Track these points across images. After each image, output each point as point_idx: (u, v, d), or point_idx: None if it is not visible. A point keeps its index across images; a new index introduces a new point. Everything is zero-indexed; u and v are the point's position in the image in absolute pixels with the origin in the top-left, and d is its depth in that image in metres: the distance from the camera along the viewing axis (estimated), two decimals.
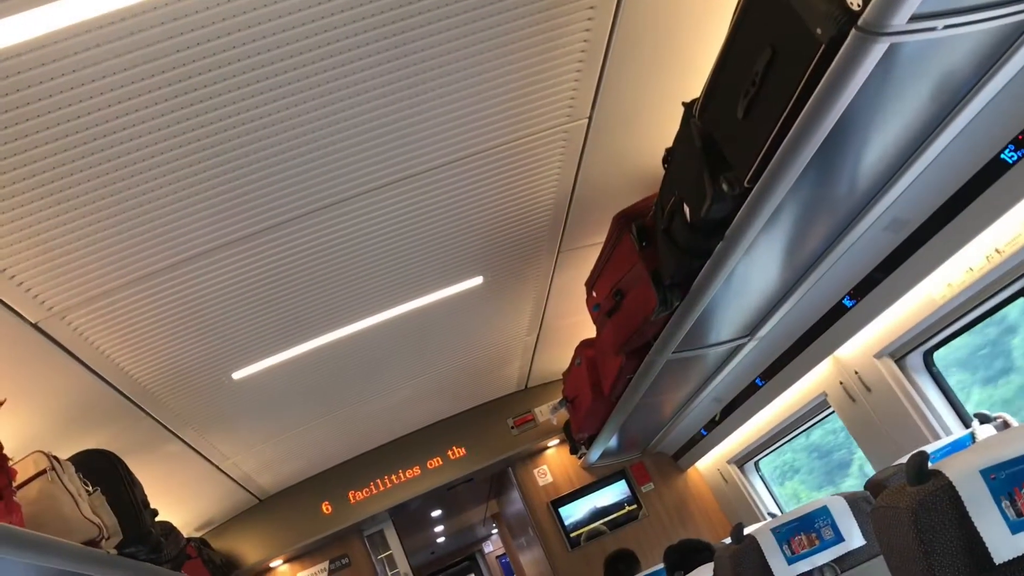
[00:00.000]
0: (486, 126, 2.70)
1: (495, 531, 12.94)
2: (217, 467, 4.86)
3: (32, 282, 2.44)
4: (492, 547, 14.68)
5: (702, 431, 5.30)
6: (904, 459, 2.12)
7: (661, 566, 3.74)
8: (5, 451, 2.32)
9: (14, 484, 2.26)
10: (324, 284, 3.38)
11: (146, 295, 2.80)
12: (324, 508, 6.08)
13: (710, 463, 5.75)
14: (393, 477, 6.15)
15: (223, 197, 2.53)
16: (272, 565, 6.17)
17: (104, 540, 2.91)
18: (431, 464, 6.21)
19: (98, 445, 3.38)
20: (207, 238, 2.69)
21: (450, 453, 6.24)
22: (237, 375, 3.82)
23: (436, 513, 10.03)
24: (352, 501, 6.09)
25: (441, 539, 12.72)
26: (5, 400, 2.17)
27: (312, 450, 5.52)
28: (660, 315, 3.14)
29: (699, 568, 2.54)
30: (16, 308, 2.51)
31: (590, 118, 2.82)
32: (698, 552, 3.32)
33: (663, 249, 2.89)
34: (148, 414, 3.69)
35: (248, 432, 4.64)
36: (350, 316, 3.77)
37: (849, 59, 1.67)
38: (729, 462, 5.43)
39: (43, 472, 2.72)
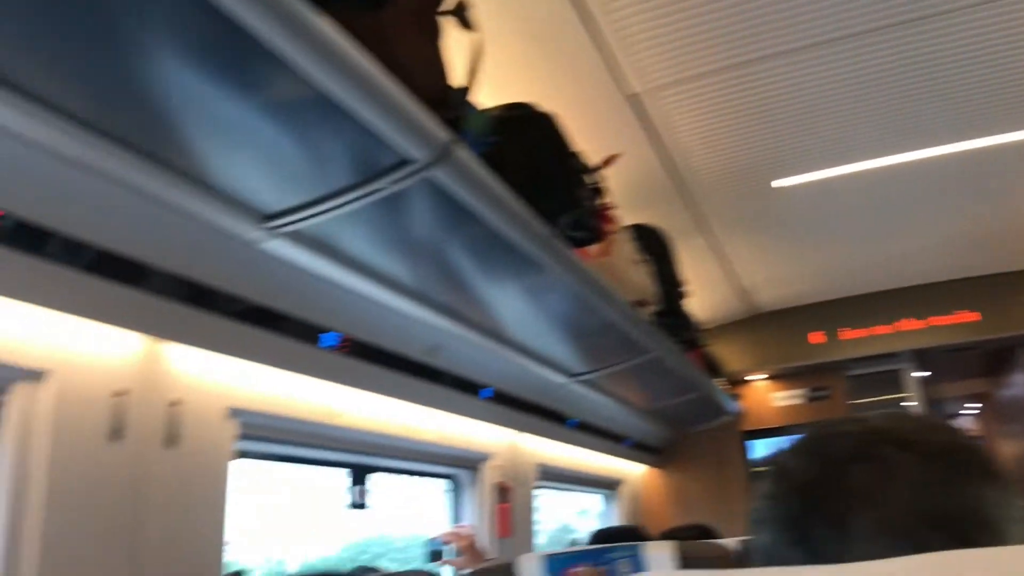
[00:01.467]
0: None
1: (965, 410, 11.97)
2: (727, 272, 5.04)
3: (645, 53, 2.61)
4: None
5: None
6: None
7: None
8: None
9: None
10: (894, 102, 3.17)
11: (730, 84, 2.87)
12: (813, 338, 6.05)
13: None
14: (890, 326, 5.88)
15: None
16: (750, 378, 6.38)
17: (646, 306, 3.21)
18: (935, 321, 5.79)
19: (645, 222, 3.67)
20: (810, 32, 2.63)
21: (960, 315, 5.74)
22: (776, 183, 3.84)
23: (916, 374, 9.47)
24: (842, 338, 5.98)
25: (911, 403, 12.07)
26: (619, 155, 2.41)
27: (819, 277, 5.45)
28: None
29: None
30: (623, 75, 2.72)
31: None
32: None
33: None
34: (689, 205, 3.89)
35: (768, 243, 4.70)
36: (904, 143, 3.53)
37: None
38: None
39: None
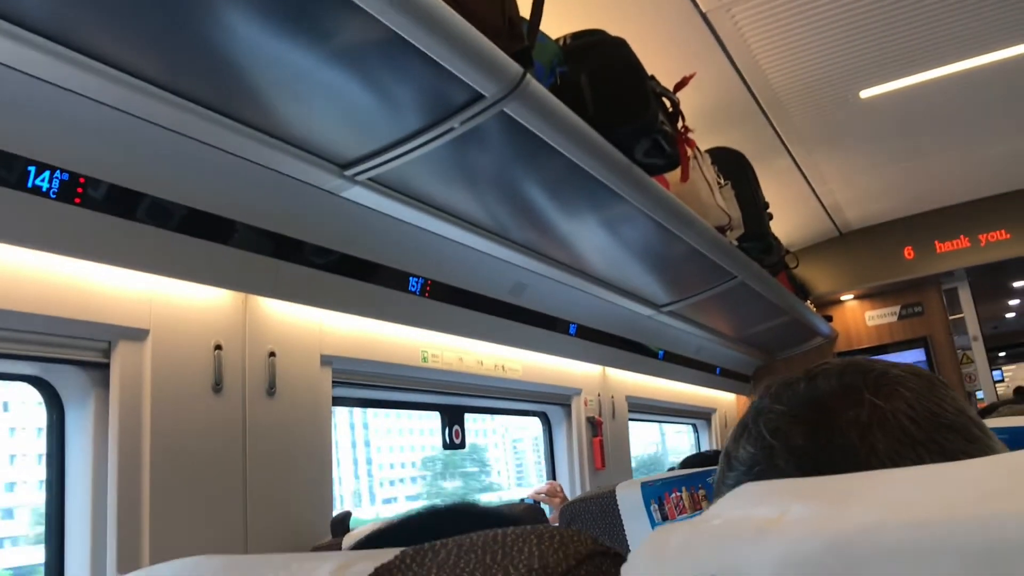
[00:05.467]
0: None
1: None
2: (814, 191, 4.89)
3: None
4: None
5: None
6: None
7: None
8: None
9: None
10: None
11: None
12: (906, 252, 5.85)
13: None
14: (987, 235, 5.63)
15: None
16: (842, 298, 6.23)
17: (729, 231, 3.15)
18: None
19: (725, 145, 3.58)
20: None
21: None
22: (864, 93, 3.68)
23: (1019, 283, 9.11)
24: (937, 251, 5.77)
25: (1010, 314, 11.67)
26: (694, 75, 2.35)
27: (909, 188, 5.23)
28: None
29: None
30: None
31: None
32: None
33: None
34: (770, 124, 3.77)
35: (855, 157, 4.53)
36: (997, 40, 3.32)
37: None
38: None
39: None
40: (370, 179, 1.83)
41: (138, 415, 1.66)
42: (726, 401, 5.77)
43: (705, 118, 3.48)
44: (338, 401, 2.25)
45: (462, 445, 2.86)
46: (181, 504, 1.69)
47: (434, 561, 0.56)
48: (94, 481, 1.64)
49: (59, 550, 1.64)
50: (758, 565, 0.44)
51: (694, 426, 5.55)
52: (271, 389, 1.95)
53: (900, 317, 6.11)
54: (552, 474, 3.54)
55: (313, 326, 2.14)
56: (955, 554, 0.42)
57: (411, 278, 2.32)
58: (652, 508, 1.49)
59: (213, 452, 1.77)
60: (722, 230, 3.05)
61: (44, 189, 1.40)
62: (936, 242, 5.74)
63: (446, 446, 2.81)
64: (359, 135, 1.72)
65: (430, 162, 1.82)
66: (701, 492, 1.59)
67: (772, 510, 0.52)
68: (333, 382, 2.20)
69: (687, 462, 2.51)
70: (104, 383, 1.67)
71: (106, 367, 1.67)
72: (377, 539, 0.84)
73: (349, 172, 1.80)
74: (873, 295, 6.19)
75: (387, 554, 0.58)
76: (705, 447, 5.47)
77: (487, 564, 0.54)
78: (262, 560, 0.62)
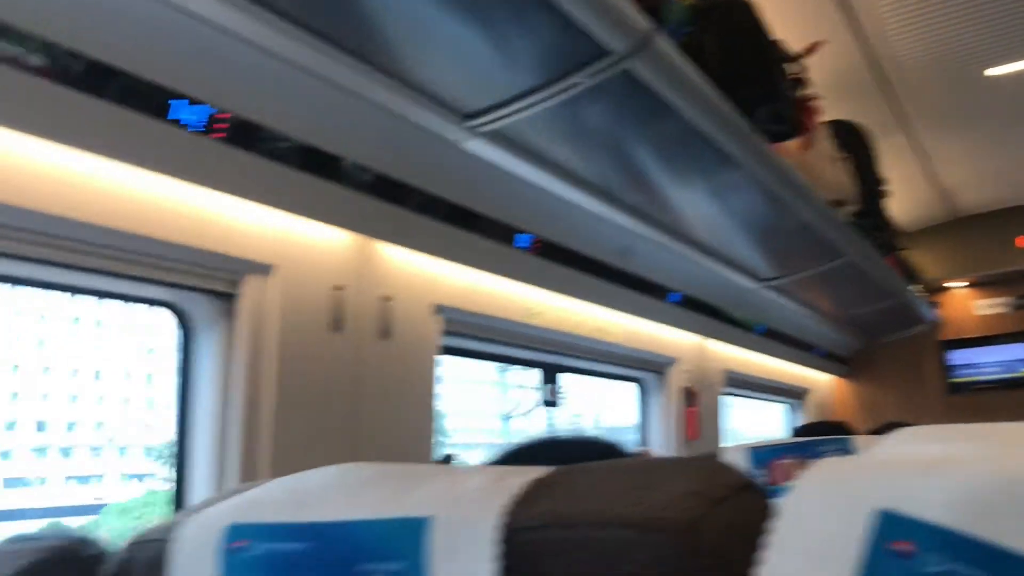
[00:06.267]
0: None
1: None
2: (929, 172, 4.71)
3: None
4: None
5: None
6: None
7: None
8: None
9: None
10: None
11: None
12: (1018, 241, 5.59)
13: None
14: None
15: None
16: (950, 285, 6.00)
17: (843, 207, 3.07)
18: None
19: (844, 117, 3.47)
20: None
21: None
22: (989, 72, 3.52)
23: None
24: None
25: None
26: (823, 42, 2.29)
27: None
28: None
29: None
30: None
31: None
32: None
33: None
34: (890, 98, 3.65)
35: (974, 139, 4.34)
36: None
37: None
38: None
39: None
40: (491, 132, 1.85)
41: (262, 345, 1.74)
42: (822, 382, 5.65)
43: (826, 88, 3.38)
44: (445, 350, 2.30)
45: (558, 404, 2.89)
46: (299, 431, 1.76)
47: (586, 478, 0.58)
48: (220, 404, 1.73)
49: (184, 464, 1.74)
50: (929, 499, 0.45)
51: (789, 405, 5.47)
52: (386, 331, 2.01)
53: (1015, 308, 5.85)
54: (644, 442, 3.54)
55: (427, 274, 2.19)
56: None
57: (520, 234, 2.34)
58: (760, 474, 1.49)
59: (329, 386, 1.84)
60: (837, 205, 2.97)
61: (183, 121, 1.46)
62: None
63: (544, 403, 2.84)
64: (482, 87, 1.74)
65: (548, 118, 1.83)
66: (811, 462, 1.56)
67: (940, 449, 0.52)
68: (444, 331, 2.25)
69: (799, 432, 2.48)
70: (232, 313, 1.76)
71: (234, 298, 1.75)
72: (504, 462, 0.87)
73: (469, 124, 1.82)
74: (984, 284, 5.94)
75: (540, 470, 0.60)
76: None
77: (640, 485, 0.56)
78: (418, 470, 0.66)
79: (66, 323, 5.44)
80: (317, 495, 0.63)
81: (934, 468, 0.48)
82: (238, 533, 0.62)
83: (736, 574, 0.48)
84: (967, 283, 5.97)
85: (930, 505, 0.45)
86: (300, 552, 0.59)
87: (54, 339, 5.38)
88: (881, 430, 2.13)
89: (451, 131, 1.83)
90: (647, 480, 0.55)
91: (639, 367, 3.47)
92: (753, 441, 1.64)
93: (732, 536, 0.50)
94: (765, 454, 1.54)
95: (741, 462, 1.52)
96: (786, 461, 1.53)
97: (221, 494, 0.73)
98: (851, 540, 0.46)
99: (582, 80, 1.68)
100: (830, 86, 3.36)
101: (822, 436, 1.62)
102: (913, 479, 0.47)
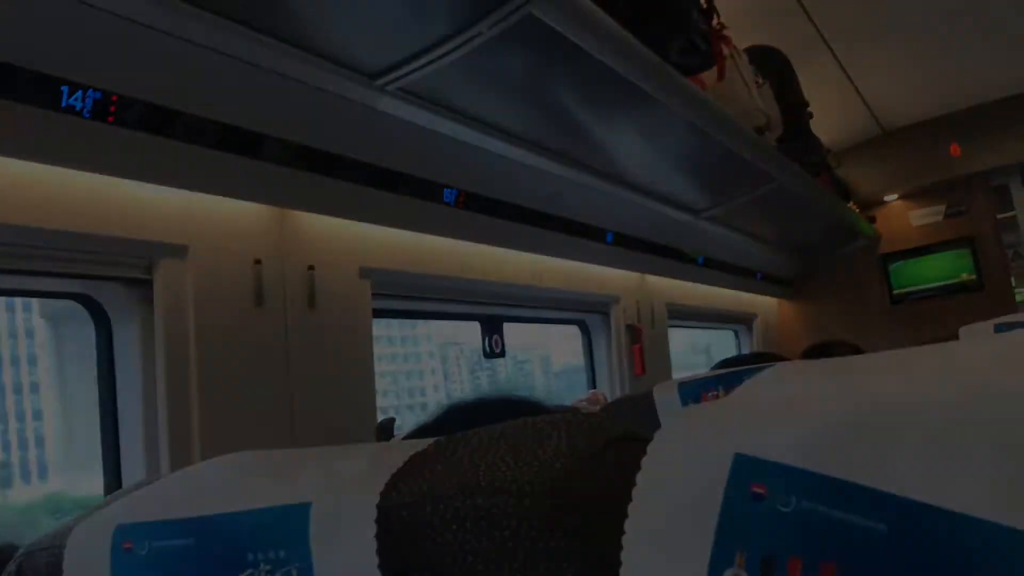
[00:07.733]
0: None
1: None
2: (855, 88, 4.75)
3: None
4: None
5: None
6: None
7: None
8: None
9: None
10: None
11: None
12: (952, 150, 5.67)
13: None
14: None
15: None
16: (886, 199, 6.09)
17: (768, 132, 3.09)
18: None
19: (761, 43, 3.47)
20: None
21: None
22: None
23: None
24: (985, 146, 5.57)
25: None
26: None
27: (955, 79, 5.03)
28: None
29: None
30: None
31: None
32: None
33: None
34: (809, 18, 3.66)
35: (899, 51, 4.35)
36: None
37: None
38: None
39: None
40: (400, 89, 1.81)
41: (183, 328, 1.72)
42: (768, 305, 5.75)
43: (740, 13, 3.38)
44: (379, 313, 2.29)
45: (502, 354, 2.90)
46: (229, 414, 1.75)
47: (466, 448, 0.58)
48: (144, 394, 1.70)
49: (115, 457, 1.72)
50: (781, 441, 0.45)
51: (735, 332, 5.56)
52: (312, 301, 1.99)
53: (946, 217, 5.96)
54: (592, 383, 3.58)
55: (351, 239, 2.16)
56: (974, 430, 0.42)
57: (445, 189, 2.32)
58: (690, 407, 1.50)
59: (258, 363, 1.83)
60: (760, 131, 2.99)
61: (78, 108, 1.41)
62: (984, 137, 5.54)
63: (486, 355, 2.85)
64: (387, 44, 1.71)
65: (460, 70, 1.80)
66: None
67: (799, 388, 0.53)
68: (373, 294, 2.23)
69: (724, 364, 2.51)
70: (149, 299, 1.72)
71: (149, 283, 1.72)
72: (421, 433, 0.87)
73: (379, 82, 1.78)
74: (917, 195, 6.02)
75: (422, 444, 0.60)
76: (747, 352, 5.48)
77: (516, 449, 0.56)
78: (301, 454, 0.65)
79: None
80: (204, 488, 0.62)
81: (789, 408, 0.48)
82: (125, 534, 0.61)
83: (605, 530, 0.48)
84: (902, 195, 6.06)
85: (782, 446, 0.46)
86: (188, 547, 0.59)
87: None
88: (810, 353, 2.18)
89: (360, 92, 1.79)
90: (523, 443, 0.55)
91: (581, 309, 3.50)
92: (682, 376, 1.66)
93: (604, 492, 0.51)
94: (695, 387, 1.56)
95: (671, 397, 1.54)
96: (715, 392, 1.55)
97: (113, 495, 0.72)
98: (713, 485, 0.46)
99: (487, 28, 1.65)
100: (742, 12, 3.35)
101: (749, 365, 1.64)
102: (767, 422, 0.48)
